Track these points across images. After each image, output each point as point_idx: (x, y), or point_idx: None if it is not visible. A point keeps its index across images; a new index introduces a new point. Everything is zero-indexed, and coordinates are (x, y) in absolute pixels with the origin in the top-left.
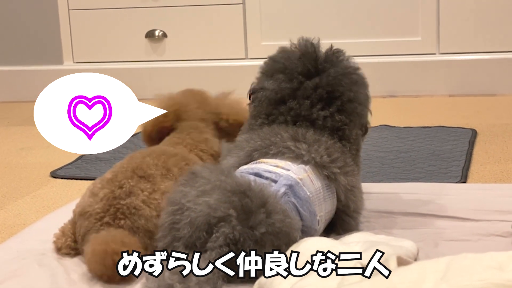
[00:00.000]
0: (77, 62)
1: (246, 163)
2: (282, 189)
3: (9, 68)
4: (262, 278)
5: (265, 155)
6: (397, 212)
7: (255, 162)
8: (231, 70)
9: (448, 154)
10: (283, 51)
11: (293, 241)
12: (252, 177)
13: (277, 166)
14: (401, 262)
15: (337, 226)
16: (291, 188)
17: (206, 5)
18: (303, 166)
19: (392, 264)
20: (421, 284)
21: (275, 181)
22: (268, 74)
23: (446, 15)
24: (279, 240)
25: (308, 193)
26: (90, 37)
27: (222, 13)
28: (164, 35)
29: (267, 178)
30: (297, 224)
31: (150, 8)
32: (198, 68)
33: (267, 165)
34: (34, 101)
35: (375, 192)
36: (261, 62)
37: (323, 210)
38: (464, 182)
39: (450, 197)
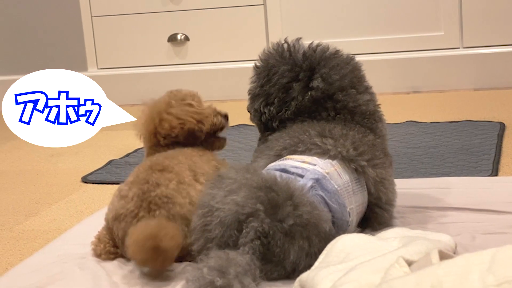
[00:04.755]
0: (101, 68)
1: (275, 160)
2: (309, 183)
3: None
4: (303, 275)
5: (294, 152)
6: (431, 207)
7: (282, 159)
8: None
9: (477, 148)
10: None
11: (323, 232)
12: (278, 173)
13: (303, 162)
14: (443, 256)
15: (371, 219)
16: (318, 181)
17: (227, 7)
18: (329, 160)
19: (434, 258)
20: (467, 276)
21: (302, 176)
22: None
23: (468, 9)
24: (308, 231)
25: (336, 186)
26: (113, 43)
27: (244, 15)
28: (186, 38)
29: (293, 173)
30: (326, 216)
31: (171, 12)
32: (221, 70)
33: (293, 161)
34: None
35: (406, 188)
36: None
37: (354, 203)
38: (496, 175)
39: (483, 191)
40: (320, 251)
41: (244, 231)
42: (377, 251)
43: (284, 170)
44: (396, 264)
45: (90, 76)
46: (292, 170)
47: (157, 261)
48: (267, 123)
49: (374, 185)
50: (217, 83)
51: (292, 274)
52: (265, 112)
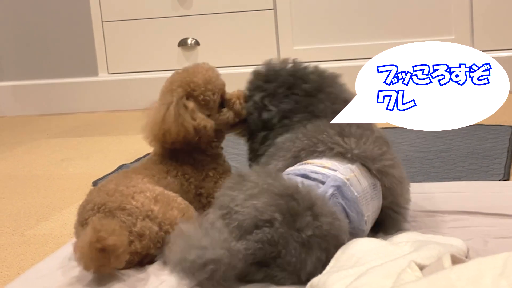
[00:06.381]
0: (111, 73)
1: (294, 164)
2: (330, 190)
3: (46, 82)
4: (314, 280)
5: (313, 153)
6: (443, 211)
7: (301, 163)
8: None
9: (488, 152)
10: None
11: (341, 243)
12: (299, 179)
13: (323, 167)
14: (455, 260)
15: (385, 224)
16: (339, 189)
17: (237, 12)
18: (349, 166)
19: (446, 262)
20: (479, 280)
21: (323, 182)
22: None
23: (479, 13)
24: (327, 243)
25: (356, 194)
26: (123, 48)
27: (254, 19)
28: (197, 43)
29: (314, 179)
30: (346, 227)
31: (182, 17)
32: (232, 75)
33: (313, 166)
34: (72, 113)
35: (418, 192)
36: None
37: (370, 210)
38: (507, 179)
39: (495, 195)
40: None
41: (255, 231)
42: (389, 255)
43: (304, 176)
44: (408, 269)
45: (101, 81)
46: (313, 176)
47: (109, 261)
48: (268, 121)
49: (397, 185)
50: (227, 87)
51: (305, 283)
52: (265, 105)
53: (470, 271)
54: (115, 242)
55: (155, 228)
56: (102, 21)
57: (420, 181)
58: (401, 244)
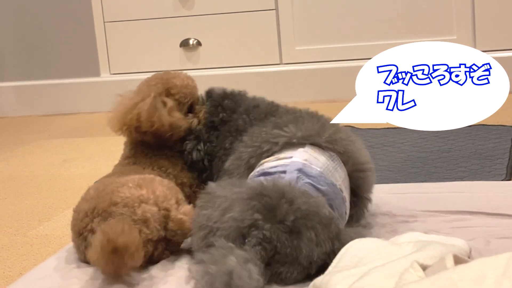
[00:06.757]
0: (113, 74)
1: (250, 173)
2: (294, 175)
3: (48, 82)
4: (317, 280)
5: (261, 155)
6: (445, 211)
7: (257, 166)
8: (266, 76)
9: (490, 152)
10: None
11: (324, 218)
12: (262, 177)
13: (279, 159)
14: (458, 260)
15: (360, 189)
16: (301, 171)
17: (239, 12)
18: (301, 148)
19: (449, 262)
20: (482, 280)
21: (284, 172)
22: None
23: (481, 13)
24: (311, 221)
25: (318, 169)
26: (125, 48)
27: (256, 20)
28: (199, 43)
29: (275, 173)
30: (321, 201)
31: (183, 18)
32: (233, 75)
33: (269, 163)
34: (74, 113)
35: (420, 192)
36: (295, 67)
37: (339, 179)
38: (509, 179)
39: (497, 195)
40: (326, 238)
41: (246, 240)
42: (391, 255)
43: (265, 174)
44: (411, 269)
45: (103, 82)
46: (272, 170)
47: (123, 261)
48: (198, 162)
49: (349, 146)
50: (230, 88)
51: (310, 268)
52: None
53: (473, 271)
54: (126, 241)
55: (154, 209)
56: (104, 22)
57: (422, 181)
58: (403, 244)
